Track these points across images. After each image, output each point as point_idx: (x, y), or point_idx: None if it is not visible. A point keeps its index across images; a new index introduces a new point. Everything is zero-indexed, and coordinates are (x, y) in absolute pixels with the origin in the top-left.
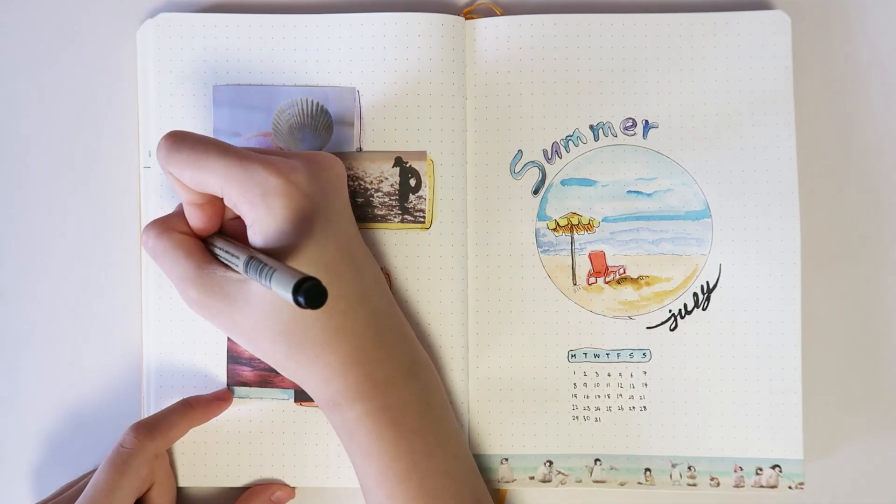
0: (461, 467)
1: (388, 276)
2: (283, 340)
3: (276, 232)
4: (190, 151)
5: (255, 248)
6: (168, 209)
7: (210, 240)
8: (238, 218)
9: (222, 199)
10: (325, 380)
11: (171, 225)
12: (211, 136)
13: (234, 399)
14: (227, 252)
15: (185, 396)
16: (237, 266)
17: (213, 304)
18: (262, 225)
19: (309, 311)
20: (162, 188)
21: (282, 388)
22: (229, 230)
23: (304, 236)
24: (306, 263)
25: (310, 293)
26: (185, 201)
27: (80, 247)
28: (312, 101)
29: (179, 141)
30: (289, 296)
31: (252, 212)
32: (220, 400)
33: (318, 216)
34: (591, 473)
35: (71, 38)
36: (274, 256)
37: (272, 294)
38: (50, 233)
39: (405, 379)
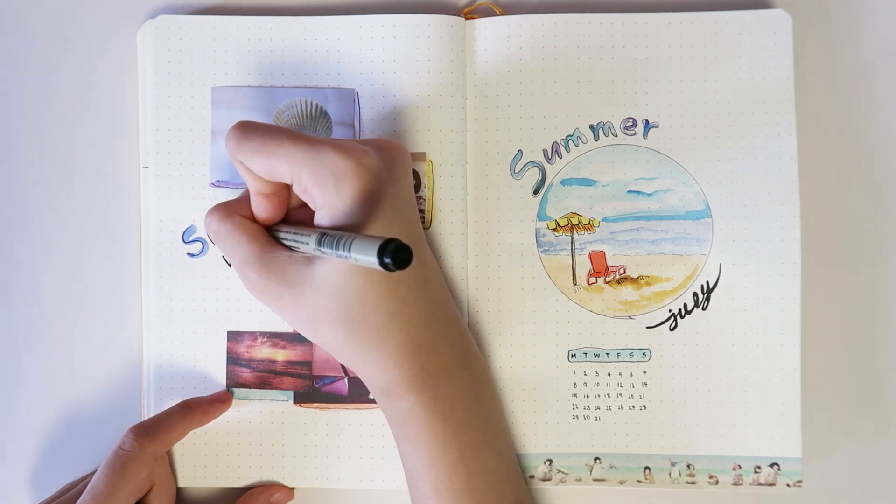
0: (506, 466)
1: None
2: (343, 325)
3: (344, 213)
4: (260, 139)
5: (323, 228)
6: (168, 210)
7: (274, 227)
8: (301, 208)
9: (288, 190)
10: (381, 368)
11: (235, 209)
12: (209, 137)
13: (234, 400)
14: (293, 234)
15: (184, 398)
16: (305, 246)
17: (274, 287)
18: (332, 207)
19: (369, 296)
20: (161, 188)
21: (281, 389)
22: (293, 220)
23: (373, 219)
24: None
25: (397, 253)
26: (254, 191)
27: (80, 247)
28: (311, 103)
29: (249, 129)
30: (373, 259)
31: (322, 194)
32: (219, 402)
33: (386, 200)
34: (591, 472)
35: (71, 39)
36: None
37: (336, 277)
38: (50, 233)
39: (458, 371)
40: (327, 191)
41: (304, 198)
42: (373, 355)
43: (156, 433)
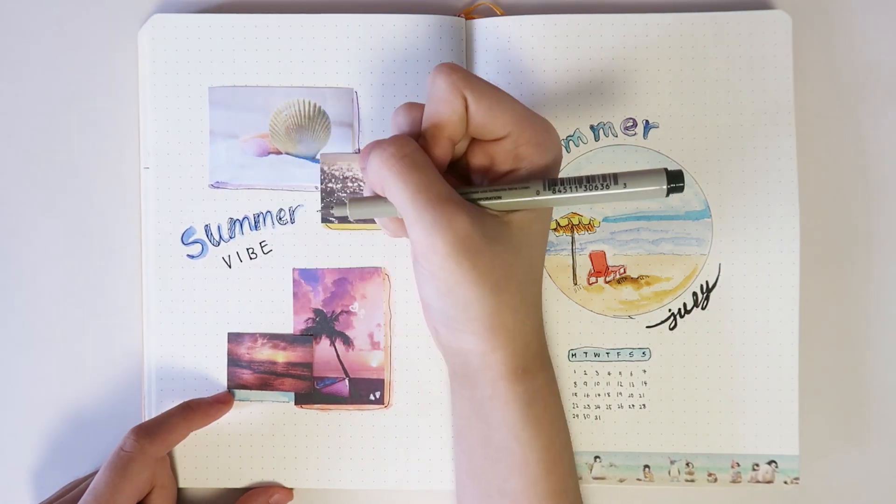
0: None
1: (387, 277)
2: (522, 287)
3: (543, 174)
4: (486, 86)
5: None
6: (168, 211)
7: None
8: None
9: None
10: (531, 337)
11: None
12: (207, 138)
13: (235, 402)
14: (488, 188)
15: (185, 399)
16: (518, 193)
17: (477, 241)
18: (537, 167)
19: (540, 265)
20: (161, 189)
21: (282, 390)
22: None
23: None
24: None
25: (677, 177)
26: (448, 134)
27: (81, 248)
28: (310, 103)
29: (475, 77)
30: (662, 188)
31: (536, 153)
32: (220, 403)
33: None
34: (591, 470)
35: (71, 39)
36: None
37: (533, 239)
38: (50, 233)
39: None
40: (541, 150)
41: (500, 153)
42: (530, 321)
43: (157, 434)
